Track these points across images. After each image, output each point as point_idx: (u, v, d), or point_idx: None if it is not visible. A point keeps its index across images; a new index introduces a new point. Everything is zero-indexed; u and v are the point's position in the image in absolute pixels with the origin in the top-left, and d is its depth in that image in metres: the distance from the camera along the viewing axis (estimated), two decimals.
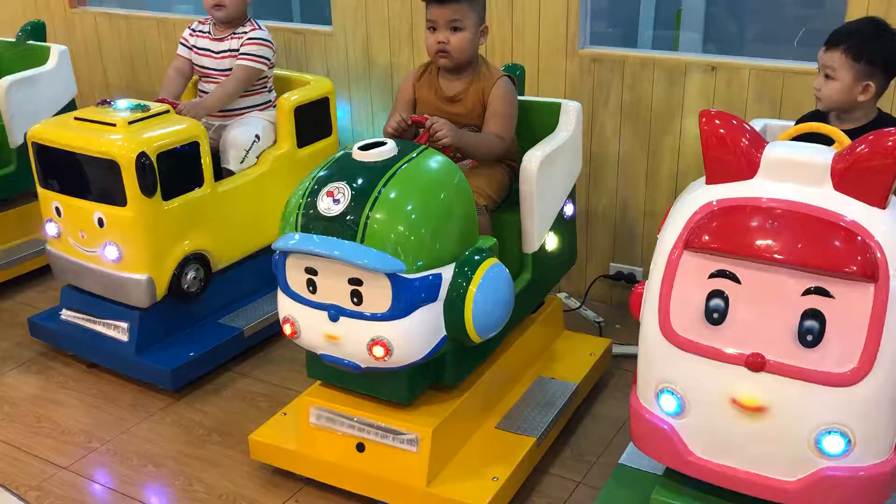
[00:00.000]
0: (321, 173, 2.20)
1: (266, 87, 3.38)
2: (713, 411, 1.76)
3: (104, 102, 2.96)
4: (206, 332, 3.07)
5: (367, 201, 2.08)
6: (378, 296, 2.09)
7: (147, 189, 2.74)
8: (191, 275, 2.97)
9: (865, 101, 2.21)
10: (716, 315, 1.72)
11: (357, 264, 2.05)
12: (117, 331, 2.97)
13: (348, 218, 2.08)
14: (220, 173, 3.15)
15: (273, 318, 3.16)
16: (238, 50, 3.25)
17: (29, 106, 3.60)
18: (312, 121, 3.38)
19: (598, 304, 3.38)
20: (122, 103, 2.92)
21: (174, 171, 2.84)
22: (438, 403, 2.37)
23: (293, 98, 3.31)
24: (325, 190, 2.14)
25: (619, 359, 3.02)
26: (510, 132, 2.60)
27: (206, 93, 3.31)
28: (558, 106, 2.72)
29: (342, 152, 2.27)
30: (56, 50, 3.84)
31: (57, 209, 2.95)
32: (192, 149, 2.89)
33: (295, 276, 2.20)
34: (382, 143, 2.22)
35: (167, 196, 2.83)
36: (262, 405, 2.84)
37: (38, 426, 2.82)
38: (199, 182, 2.94)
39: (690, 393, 1.79)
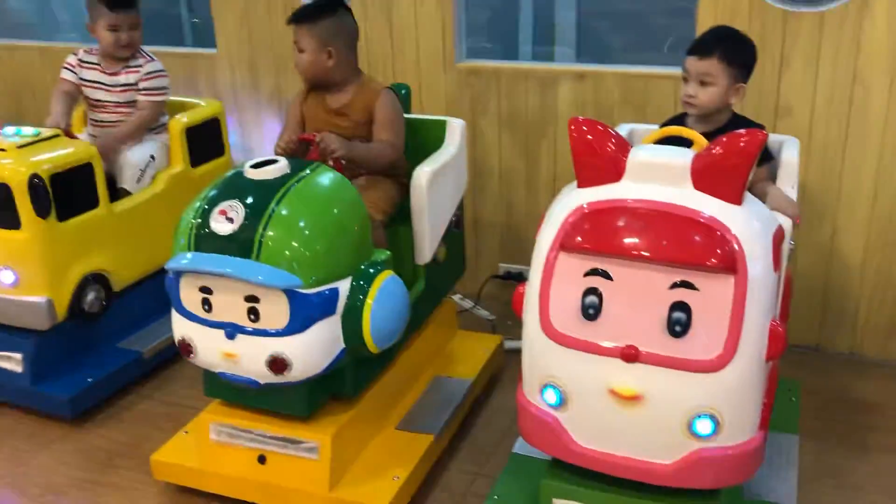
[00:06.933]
0: (213, 192, 2.10)
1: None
2: (593, 402, 1.76)
3: None
4: (105, 357, 2.89)
5: (260, 219, 2.00)
6: (275, 312, 2.01)
7: (41, 210, 2.61)
8: (91, 295, 2.81)
9: (736, 102, 2.23)
10: (591, 311, 1.72)
11: (252, 281, 1.97)
12: (10, 362, 2.77)
13: (242, 236, 1.99)
14: (117, 194, 3.00)
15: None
16: (136, 84, 3.11)
17: None
18: (204, 141, 3.26)
19: (492, 302, 3.36)
20: (10, 130, 2.78)
21: (68, 193, 2.71)
22: (337, 411, 2.29)
23: (183, 120, 3.18)
24: (217, 209, 2.04)
25: (511, 353, 3.00)
26: (400, 138, 2.55)
27: (98, 122, 3.15)
28: (444, 123, 2.69)
29: (234, 171, 2.18)
30: None
31: None
32: (85, 170, 2.76)
33: (189, 295, 2.09)
34: (274, 161, 2.14)
35: (62, 217, 2.69)
36: (165, 426, 2.68)
37: None
38: (94, 203, 2.81)
39: (571, 386, 1.78)
